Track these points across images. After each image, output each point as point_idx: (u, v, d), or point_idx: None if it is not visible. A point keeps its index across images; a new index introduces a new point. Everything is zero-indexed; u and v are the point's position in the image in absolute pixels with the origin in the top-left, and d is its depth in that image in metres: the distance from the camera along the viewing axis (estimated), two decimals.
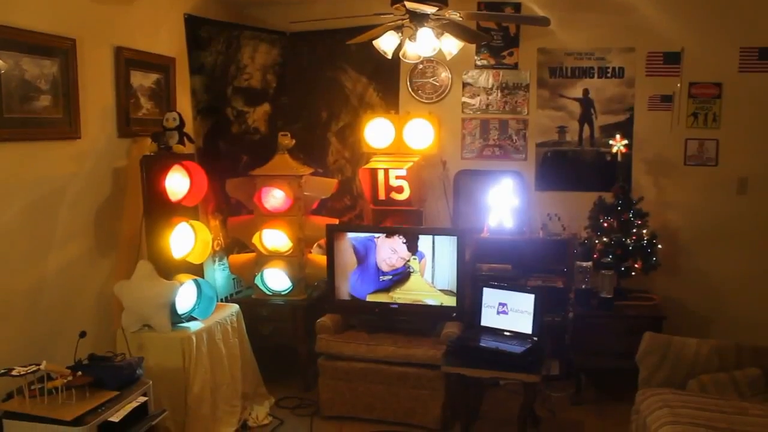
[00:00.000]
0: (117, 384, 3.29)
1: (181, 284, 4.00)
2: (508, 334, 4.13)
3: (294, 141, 5.00)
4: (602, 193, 4.92)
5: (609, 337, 4.58)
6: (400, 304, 4.61)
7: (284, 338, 4.92)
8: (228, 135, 5.30)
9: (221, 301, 5.13)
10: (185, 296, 4.12)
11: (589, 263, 4.66)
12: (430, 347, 4.33)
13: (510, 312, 4.16)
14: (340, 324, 4.69)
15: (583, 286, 4.66)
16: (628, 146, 4.90)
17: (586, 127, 5.15)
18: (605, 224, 4.81)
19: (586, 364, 4.71)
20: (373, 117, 5.24)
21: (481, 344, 4.02)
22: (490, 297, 4.23)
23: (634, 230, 4.77)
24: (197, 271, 4.28)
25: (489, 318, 4.23)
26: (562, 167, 5.25)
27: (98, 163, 3.98)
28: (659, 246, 4.78)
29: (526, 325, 4.10)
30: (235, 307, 4.51)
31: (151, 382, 3.51)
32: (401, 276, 4.61)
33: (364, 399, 4.45)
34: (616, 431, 4.27)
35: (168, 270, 4.02)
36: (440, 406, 4.30)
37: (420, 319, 4.65)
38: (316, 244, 5.22)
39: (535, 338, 4.04)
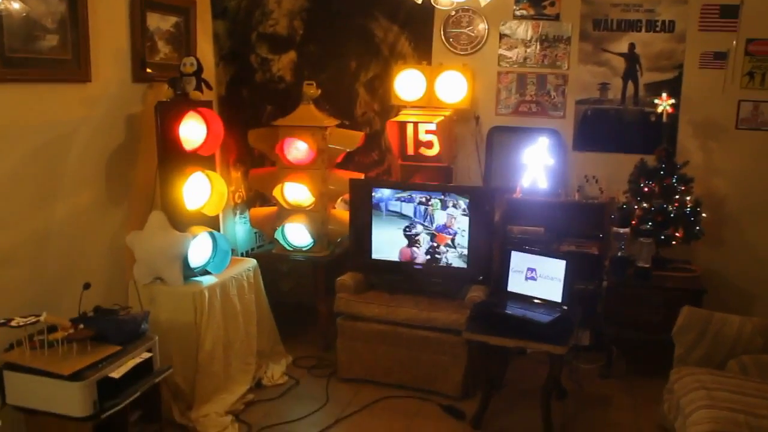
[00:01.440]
0: (120, 338, 3.12)
1: (195, 236, 3.79)
2: (536, 301, 3.86)
3: (320, 91, 4.71)
4: (644, 156, 4.56)
5: (644, 309, 4.27)
6: (423, 265, 4.37)
7: (304, 296, 4.73)
8: (252, 83, 5.04)
9: (242, 255, 4.95)
10: (199, 249, 3.92)
11: (627, 230, 4.33)
12: (453, 311, 4.08)
13: (539, 278, 3.88)
14: (362, 283, 4.46)
15: (619, 254, 4.34)
16: (674, 106, 4.50)
17: (630, 85, 4.75)
18: (646, 189, 4.46)
19: (618, 337, 4.42)
20: (404, 68, 4.91)
21: (506, 311, 3.76)
22: (519, 261, 3.95)
23: (677, 197, 4.41)
24: (213, 223, 4.07)
25: (516, 284, 3.95)
26: (602, 127, 4.86)
27: (110, 108, 3.76)
28: (703, 214, 4.41)
29: (555, 293, 3.82)
30: (253, 262, 4.31)
31: (156, 338, 3.34)
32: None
33: (382, 362, 4.24)
34: (646, 410, 4.00)
35: (181, 221, 3.81)
36: (462, 373, 4.07)
37: (444, 282, 4.39)
38: (340, 199, 4.98)
39: (565, 307, 3.76)
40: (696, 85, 4.65)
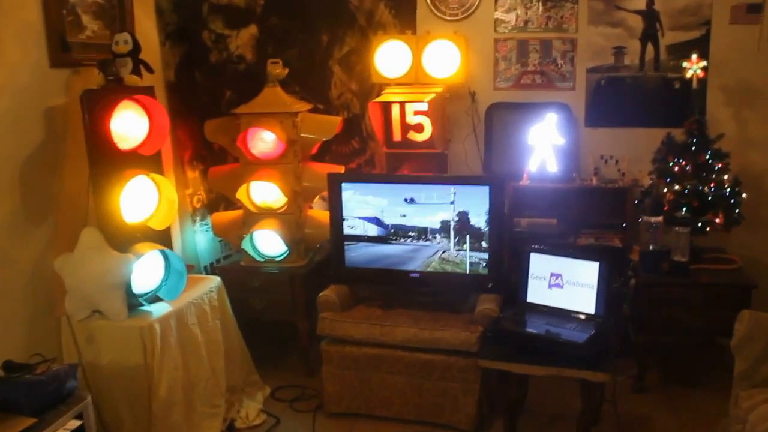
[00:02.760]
0: (35, 406, 2.33)
1: (140, 257, 3.01)
2: (563, 314, 3.13)
3: (287, 71, 3.92)
4: (671, 130, 3.85)
5: (683, 311, 3.56)
6: (422, 273, 3.63)
7: (281, 313, 3.97)
8: (206, 65, 4.20)
9: (205, 269, 4.17)
10: (147, 272, 3.14)
11: (659, 218, 3.62)
12: (462, 328, 3.35)
13: (566, 285, 3.15)
14: (348, 298, 3.70)
15: (651, 247, 3.64)
16: (705, 69, 3.80)
17: (649, 47, 4.01)
18: (676, 168, 3.76)
19: (651, 343, 3.73)
20: (384, 39, 4.11)
21: (528, 329, 3.04)
22: (540, 265, 3.21)
23: (714, 176, 3.72)
24: (163, 237, 3.26)
25: (537, 292, 3.22)
26: (619, 98, 4.12)
27: (22, 100, 2.92)
28: (743, 195, 3.74)
29: (587, 303, 3.10)
30: (215, 280, 3.52)
31: (89, 398, 2.55)
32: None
33: (379, 393, 3.49)
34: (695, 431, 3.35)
35: (122, 239, 3.01)
36: (475, 402, 3.34)
37: (447, 292, 3.67)
38: (318, 197, 4.22)
39: (600, 320, 3.06)
40: (727, 45, 3.93)
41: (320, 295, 3.61)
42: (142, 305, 3.07)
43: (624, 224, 3.94)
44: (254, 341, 3.85)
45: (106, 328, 2.96)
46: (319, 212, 4.11)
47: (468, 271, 3.51)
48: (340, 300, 3.60)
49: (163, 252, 3.17)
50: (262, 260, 3.99)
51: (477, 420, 3.36)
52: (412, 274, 3.63)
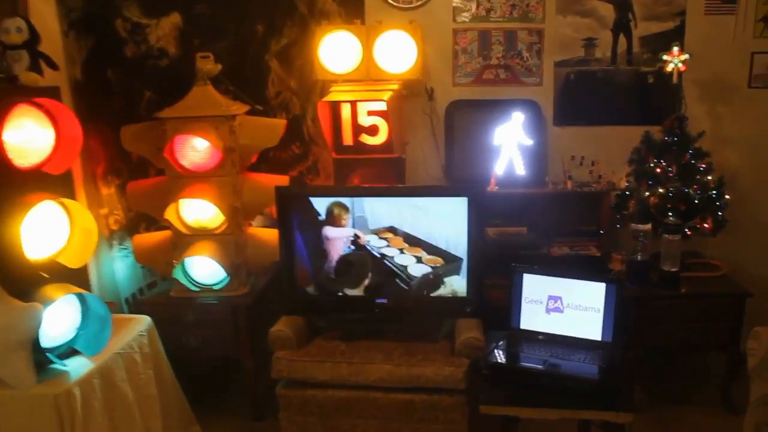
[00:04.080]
0: None
1: (50, 303, 2.34)
2: (565, 342, 2.66)
3: (220, 66, 3.31)
4: (647, 128, 3.50)
5: (674, 324, 3.21)
6: (390, 299, 3.11)
7: (221, 350, 3.33)
8: (120, 60, 3.52)
9: (126, 302, 3.47)
10: (60, 321, 2.45)
11: (648, 226, 3.25)
12: (444, 362, 2.84)
13: (566, 309, 2.71)
14: (303, 331, 3.12)
15: (639, 257, 3.26)
16: (686, 62, 3.46)
17: (621, 39, 3.62)
18: (658, 170, 3.41)
19: (639, 360, 3.35)
20: (329, 30, 3.51)
21: (530, 364, 2.57)
22: (535, 288, 2.74)
23: (698, 176, 3.39)
24: (78, 277, 2.59)
25: (533, 318, 2.75)
26: (589, 94, 3.71)
27: None
28: (727, 196, 3.43)
29: (593, 329, 2.65)
30: (145, 321, 2.87)
31: None
32: None
33: None
34: None
35: (24, 282, 2.33)
36: None
37: (420, 319, 3.17)
38: (258, 215, 3.62)
39: (609, 347, 2.63)
40: (702, 36, 3.58)
41: (272, 330, 3.01)
42: (55, 363, 2.39)
43: (601, 231, 3.56)
44: (190, 385, 3.21)
45: (9, 399, 2.26)
46: (262, 231, 3.50)
47: (448, 294, 3.02)
48: (295, 335, 3.02)
49: (79, 296, 2.50)
50: (197, 290, 3.35)
51: None
52: (377, 300, 3.10)
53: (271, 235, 3.29)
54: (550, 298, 2.71)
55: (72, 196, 2.61)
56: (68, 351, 2.48)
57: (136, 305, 3.46)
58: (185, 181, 3.22)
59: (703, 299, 3.21)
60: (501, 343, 2.72)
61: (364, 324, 3.16)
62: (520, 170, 3.61)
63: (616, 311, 2.62)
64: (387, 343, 3.03)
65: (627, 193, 3.52)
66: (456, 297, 3.03)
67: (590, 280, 2.65)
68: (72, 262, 2.47)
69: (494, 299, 3.19)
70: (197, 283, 3.35)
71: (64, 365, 2.40)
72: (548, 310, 2.72)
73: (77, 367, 2.41)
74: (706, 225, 3.32)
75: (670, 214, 3.31)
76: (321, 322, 3.22)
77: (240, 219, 3.30)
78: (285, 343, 2.98)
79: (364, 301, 3.10)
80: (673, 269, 3.21)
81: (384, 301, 3.08)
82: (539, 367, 2.51)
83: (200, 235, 3.29)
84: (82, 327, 2.50)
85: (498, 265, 3.14)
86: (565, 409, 2.39)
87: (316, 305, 3.16)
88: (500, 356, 2.62)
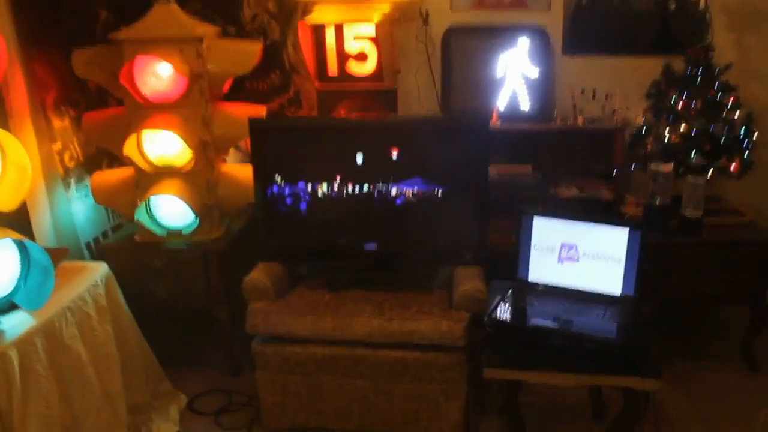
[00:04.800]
0: None
1: None
2: (580, 297, 2.34)
3: None
4: (668, 59, 3.12)
5: (694, 274, 2.89)
6: (380, 244, 2.75)
7: (192, 301, 2.97)
8: None
9: (88, 247, 3.09)
10: None
11: (669, 166, 2.89)
12: (441, 315, 2.50)
13: (582, 258, 2.37)
14: (283, 279, 2.77)
15: (658, 201, 2.92)
16: None
17: None
18: (680, 105, 3.03)
19: (656, 313, 3.04)
20: None
21: (539, 322, 2.24)
22: (546, 233, 2.39)
23: (724, 113, 3.02)
24: (16, 221, 2.19)
25: (543, 268, 2.41)
26: (603, 19, 3.30)
27: None
28: (756, 134, 3.07)
29: (612, 281, 2.33)
30: (100, 268, 2.50)
31: None
32: None
33: (334, 401, 2.61)
34: (711, 410, 2.72)
35: None
36: (460, 408, 2.53)
37: (414, 266, 2.81)
38: (232, 149, 3.22)
39: (630, 302, 2.31)
40: None
41: (247, 279, 2.65)
42: None
43: (615, 171, 3.21)
44: (160, 338, 2.87)
45: None
46: (237, 167, 3.11)
47: (443, 239, 2.67)
48: (273, 284, 2.66)
49: (18, 243, 2.11)
50: (164, 234, 2.97)
51: (463, 428, 2.58)
52: (367, 245, 2.74)
53: (247, 172, 2.89)
54: (564, 245, 2.37)
55: (4, 126, 2.19)
56: (7, 306, 2.11)
57: (98, 252, 3.08)
58: (147, 111, 2.79)
59: (726, 247, 2.88)
60: (507, 295, 2.38)
61: (351, 272, 2.81)
62: (525, 104, 3.23)
63: (640, 261, 2.28)
64: (377, 294, 2.69)
65: (644, 130, 3.15)
66: (455, 241, 2.68)
67: (611, 225, 2.31)
68: (4, 204, 2.07)
69: (494, 245, 2.86)
70: (164, 226, 2.97)
71: (1, 323, 2.04)
72: (561, 260, 2.38)
73: (15, 324, 2.03)
74: (732, 166, 2.98)
75: (692, 154, 2.96)
76: (303, 269, 2.87)
77: (210, 155, 2.90)
78: (261, 293, 2.63)
79: (351, 247, 2.75)
80: (696, 215, 2.87)
81: (373, 246, 2.73)
82: (551, 324, 2.18)
83: (166, 172, 2.89)
84: (20, 278, 2.13)
85: (499, 207, 2.80)
86: (582, 374, 2.07)
87: (297, 251, 2.80)
88: (505, 312, 2.29)
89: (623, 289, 2.29)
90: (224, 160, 3.15)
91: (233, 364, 3.08)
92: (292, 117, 3.24)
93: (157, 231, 2.95)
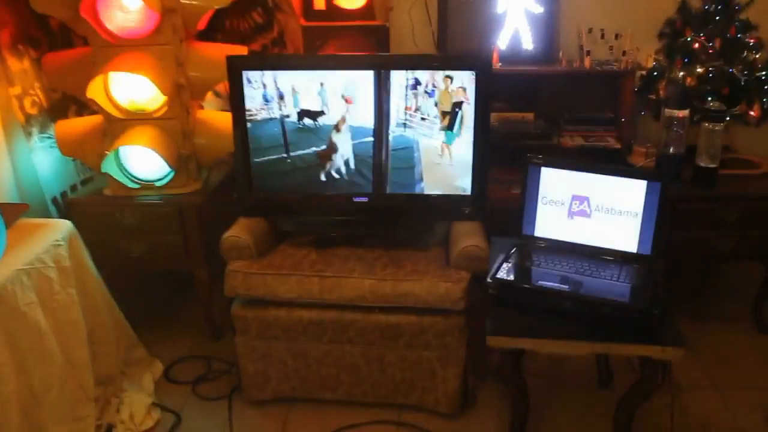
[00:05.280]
0: None
1: None
2: (591, 254, 2.09)
3: None
4: None
5: (708, 229, 2.66)
6: (372, 196, 2.50)
7: (169, 260, 2.72)
8: None
9: (54, 203, 2.81)
10: None
11: (685, 112, 2.63)
12: (439, 276, 2.26)
13: (594, 213, 2.13)
14: (266, 236, 2.52)
15: (671, 150, 2.67)
16: None
17: None
18: (696, 45, 2.76)
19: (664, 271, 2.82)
20: None
21: (549, 283, 2.01)
22: (555, 185, 2.14)
23: (744, 54, 2.75)
24: None
25: (551, 223, 2.16)
26: None
27: None
28: None
29: (627, 238, 2.08)
30: (63, 226, 2.22)
31: None
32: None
33: (321, 369, 2.39)
34: (724, 374, 2.53)
35: None
36: (458, 375, 2.33)
37: (408, 221, 2.57)
38: (210, 93, 2.93)
39: (647, 262, 2.07)
40: None
41: (225, 236, 2.40)
42: None
43: (623, 119, 2.95)
44: (134, 301, 2.64)
45: None
46: (215, 114, 2.83)
47: (443, 192, 2.40)
48: (254, 241, 2.41)
49: None
50: (137, 186, 2.70)
51: (460, 399, 2.37)
52: (356, 198, 2.48)
53: (227, 120, 2.59)
54: (575, 198, 2.11)
55: None
56: None
57: (65, 208, 2.81)
58: (114, 50, 2.48)
59: (743, 201, 2.63)
60: (511, 254, 2.14)
61: (340, 228, 2.56)
62: (528, 44, 2.95)
63: (659, 216, 2.04)
64: (368, 252, 2.45)
65: (655, 73, 2.88)
66: (454, 195, 2.43)
67: (627, 177, 2.05)
68: None
69: (493, 199, 2.62)
70: (136, 178, 2.69)
71: None
72: (571, 214, 2.13)
73: None
74: (752, 112, 2.72)
75: (709, 98, 2.70)
76: (287, 225, 2.62)
77: (186, 99, 2.60)
78: (241, 251, 2.38)
79: (339, 200, 2.49)
80: (712, 165, 2.63)
81: (364, 199, 2.47)
82: (561, 286, 1.95)
83: (136, 119, 2.60)
84: None
85: (498, 157, 2.55)
86: (595, 342, 1.84)
87: (280, 205, 2.53)
88: (510, 272, 2.05)
89: (639, 246, 2.05)
90: (201, 107, 2.86)
91: (213, 328, 2.85)
92: (276, 54, 2.92)
93: (129, 184, 2.68)
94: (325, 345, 2.34)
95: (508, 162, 2.79)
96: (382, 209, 2.48)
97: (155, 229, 2.67)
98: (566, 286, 1.94)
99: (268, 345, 2.38)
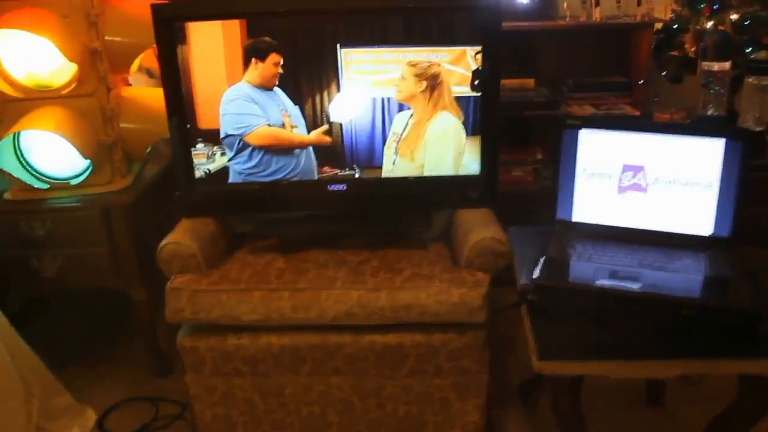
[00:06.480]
0: None
1: None
2: (651, 241, 1.53)
3: None
4: None
5: (756, 204, 2.17)
6: (350, 183, 1.90)
7: (93, 279, 2.08)
8: None
9: None
10: None
11: (726, 65, 2.12)
12: (448, 280, 1.66)
13: (652, 186, 1.57)
14: (218, 241, 1.87)
15: (710, 111, 2.16)
16: None
17: None
18: None
19: None
20: None
21: (609, 284, 1.42)
22: (597, 153, 1.56)
23: None
24: None
25: (595, 204, 1.58)
26: None
27: None
28: None
29: (698, 217, 1.53)
30: None
31: None
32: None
33: (301, 411, 1.75)
34: None
35: None
36: (479, 407, 1.76)
37: (400, 211, 1.99)
38: (137, 64, 2.27)
39: (727, 247, 1.52)
40: None
41: (162, 244, 1.75)
42: None
43: (639, 81, 2.43)
44: (52, 331, 1.99)
45: None
46: (145, 90, 2.18)
47: (441, 173, 1.82)
48: (202, 248, 1.77)
49: None
50: (47, 187, 2.03)
51: None
52: (331, 187, 1.89)
53: (158, 96, 1.97)
54: (626, 168, 1.55)
55: None
56: None
57: None
58: (3, 5, 1.85)
59: None
60: (547, 247, 1.57)
61: (312, 224, 1.96)
62: None
63: (740, 186, 1.51)
64: (351, 254, 1.84)
65: (675, 26, 2.37)
66: (459, 177, 1.85)
67: (698, 135, 1.51)
68: None
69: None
70: (44, 176, 2.03)
71: None
72: (622, 189, 1.57)
73: None
74: None
75: (749, 49, 2.20)
76: (244, 225, 2.00)
77: (104, 71, 1.96)
78: (185, 262, 1.74)
79: (311, 190, 1.89)
80: (760, 128, 2.12)
81: (341, 187, 1.87)
82: (629, 286, 1.40)
83: (39, 99, 1.94)
84: None
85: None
86: (689, 360, 1.29)
87: (233, 200, 1.91)
88: (550, 270, 1.48)
89: (716, 227, 1.52)
90: (128, 83, 2.21)
91: (159, 361, 2.19)
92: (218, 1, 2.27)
93: (35, 184, 2.01)
94: (305, 378, 1.72)
95: (506, 139, 2.26)
96: (365, 198, 1.89)
97: (74, 240, 2.00)
98: (634, 285, 1.39)
99: (229, 383, 1.74)
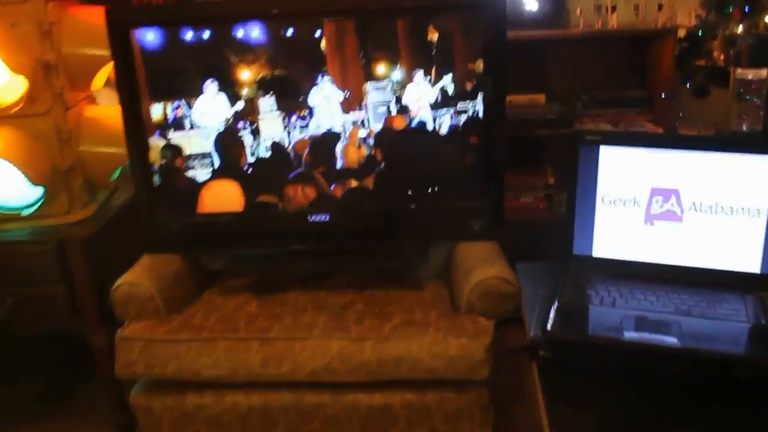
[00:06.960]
0: None
1: None
2: (687, 279, 1.23)
3: None
4: None
5: None
6: (333, 214, 1.64)
7: (47, 321, 1.84)
8: None
9: None
10: None
11: (762, 72, 1.86)
12: (445, 328, 1.39)
13: (688, 213, 1.30)
14: (183, 281, 1.60)
15: (745, 126, 1.90)
16: None
17: None
18: None
19: None
20: None
21: (638, 338, 1.14)
22: (621, 175, 1.31)
23: None
24: None
25: (619, 236, 1.29)
26: None
27: None
28: None
29: (744, 251, 1.25)
30: None
31: None
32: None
33: None
34: None
35: None
36: None
37: (391, 245, 1.71)
38: (104, 81, 2.05)
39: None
40: None
41: (116, 285, 1.51)
42: None
43: (661, 94, 2.16)
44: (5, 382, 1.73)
45: None
46: (111, 110, 1.95)
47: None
48: (161, 290, 1.52)
49: None
50: None
51: None
52: (313, 218, 1.63)
53: (116, 115, 1.73)
54: (657, 193, 1.28)
55: None
56: None
57: None
58: None
59: None
60: (562, 289, 1.31)
61: (291, 261, 1.70)
62: (531, 1, 2.15)
63: None
64: (333, 295, 1.58)
65: (700, 32, 2.12)
66: (456, 203, 1.59)
67: (744, 151, 1.24)
68: None
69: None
70: None
71: None
72: (651, 218, 1.30)
73: None
74: None
75: None
76: (217, 261, 1.75)
77: (61, 87, 1.73)
78: (141, 306, 1.48)
79: (290, 220, 1.63)
80: None
81: (323, 217, 1.62)
82: (666, 339, 1.12)
83: None
84: None
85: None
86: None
87: (201, 233, 1.66)
88: (566, 318, 1.21)
89: (765, 263, 1.25)
90: (93, 101, 1.98)
91: (125, 416, 1.94)
92: (176, 5, 2.00)
93: None
94: None
95: (514, 161, 2.00)
96: (350, 231, 1.63)
97: (24, 278, 1.75)
98: (671, 338, 1.11)
99: None
